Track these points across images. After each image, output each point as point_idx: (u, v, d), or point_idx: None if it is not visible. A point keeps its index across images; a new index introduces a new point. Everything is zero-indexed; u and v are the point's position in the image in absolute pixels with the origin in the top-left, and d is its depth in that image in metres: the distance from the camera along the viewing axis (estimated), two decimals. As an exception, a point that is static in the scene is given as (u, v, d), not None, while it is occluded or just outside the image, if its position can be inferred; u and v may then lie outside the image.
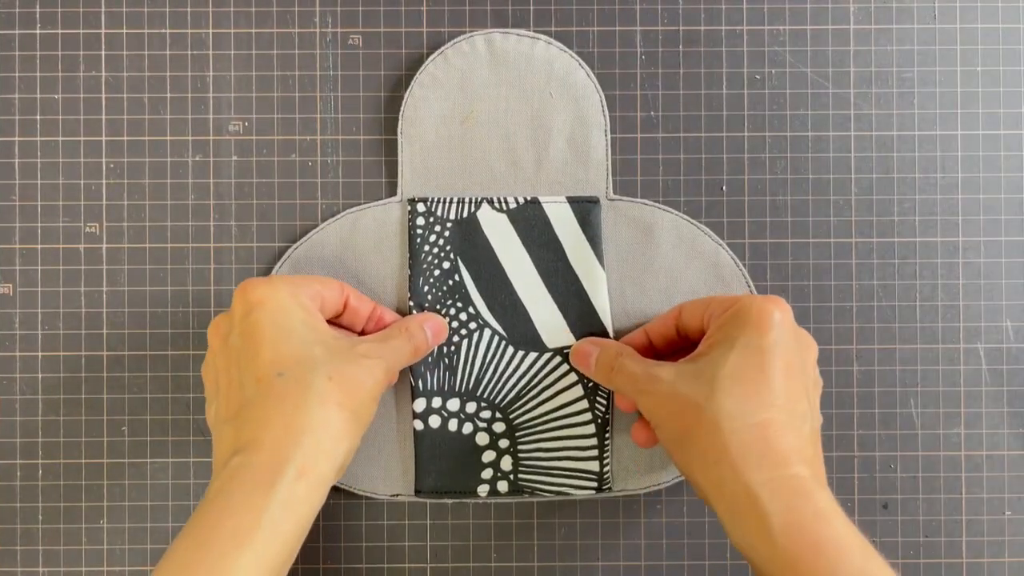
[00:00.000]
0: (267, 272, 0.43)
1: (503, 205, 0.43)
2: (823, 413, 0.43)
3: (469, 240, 0.42)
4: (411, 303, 0.42)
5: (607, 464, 0.42)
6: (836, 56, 0.44)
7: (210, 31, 0.44)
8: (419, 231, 0.42)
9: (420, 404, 0.42)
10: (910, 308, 0.44)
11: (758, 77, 0.44)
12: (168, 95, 0.43)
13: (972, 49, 0.44)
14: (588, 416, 0.42)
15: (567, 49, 0.43)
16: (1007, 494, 0.43)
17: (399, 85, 0.43)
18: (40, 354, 0.43)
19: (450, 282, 0.42)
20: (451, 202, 0.43)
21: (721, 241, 0.43)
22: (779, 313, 0.36)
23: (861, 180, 0.44)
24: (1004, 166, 0.44)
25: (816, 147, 0.44)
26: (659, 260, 0.43)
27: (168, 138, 0.43)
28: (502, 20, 0.44)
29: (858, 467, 0.43)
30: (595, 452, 0.42)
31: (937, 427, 0.43)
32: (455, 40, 0.43)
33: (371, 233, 0.43)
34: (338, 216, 0.43)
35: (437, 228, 0.42)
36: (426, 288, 0.42)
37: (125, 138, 0.43)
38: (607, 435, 0.42)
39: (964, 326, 0.44)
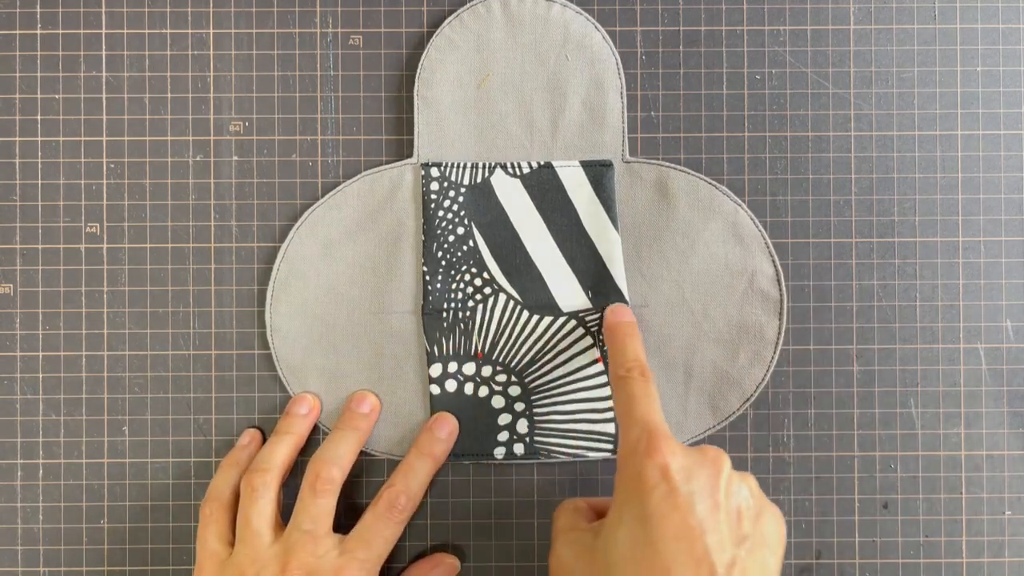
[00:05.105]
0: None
1: (517, 170, 0.43)
2: (823, 413, 0.43)
3: (483, 205, 0.43)
4: (425, 268, 0.42)
5: (619, 425, 0.42)
6: (836, 56, 0.44)
7: (211, 31, 0.44)
8: (433, 196, 0.43)
9: (436, 369, 0.42)
10: (910, 308, 0.44)
11: (758, 77, 0.44)
12: (169, 95, 0.44)
13: (972, 49, 0.44)
14: (603, 379, 0.42)
15: (583, 12, 0.43)
16: (1007, 494, 0.43)
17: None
18: (40, 354, 0.43)
19: (464, 247, 0.43)
20: (465, 167, 0.43)
21: (740, 201, 0.43)
22: (655, 470, 0.33)
23: (861, 180, 0.44)
24: (1004, 166, 0.44)
25: (816, 147, 0.44)
26: (676, 221, 0.43)
27: (169, 138, 0.43)
28: (502, 20, 0.44)
29: (858, 467, 0.43)
30: (611, 414, 0.42)
31: (937, 427, 0.43)
32: (471, 3, 0.43)
33: (387, 195, 0.43)
34: (355, 178, 0.43)
35: (451, 193, 0.43)
36: (440, 253, 0.42)
37: (126, 138, 0.43)
38: None
39: (964, 326, 0.44)
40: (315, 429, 0.43)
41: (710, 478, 0.34)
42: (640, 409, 0.36)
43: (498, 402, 0.43)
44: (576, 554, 0.35)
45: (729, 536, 0.33)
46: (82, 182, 0.43)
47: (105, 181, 0.43)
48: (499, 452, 0.42)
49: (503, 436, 0.43)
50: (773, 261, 0.43)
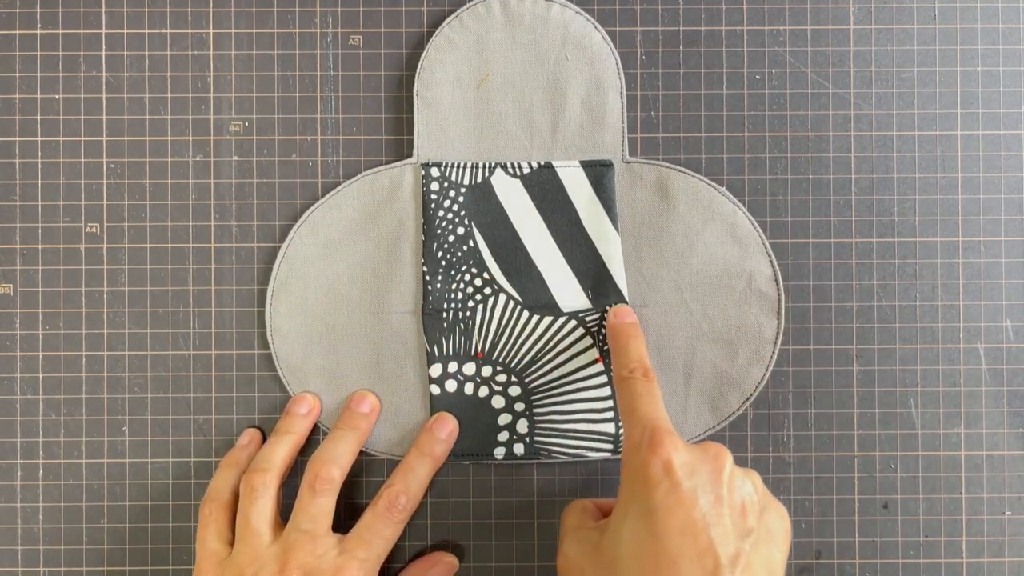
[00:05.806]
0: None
1: (517, 170, 0.43)
2: (823, 413, 0.43)
3: (483, 205, 0.43)
4: (425, 268, 0.42)
5: (622, 425, 0.42)
6: (836, 56, 0.44)
7: (211, 31, 0.44)
8: (433, 196, 0.43)
9: (436, 369, 0.42)
10: (910, 308, 0.44)
11: (758, 77, 0.44)
12: (169, 95, 0.44)
13: (972, 49, 0.44)
14: (603, 379, 0.42)
15: (583, 12, 0.43)
16: (1007, 494, 0.43)
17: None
18: (40, 354, 0.43)
19: (464, 247, 0.43)
20: (465, 167, 0.43)
21: (738, 203, 0.43)
22: (658, 466, 0.33)
23: (861, 180, 0.44)
24: (1004, 166, 0.44)
25: (816, 147, 0.44)
26: (675, 222, 0.43)
27: (169, 138, 0.43)
28: (502, 20, 0.44)
29: (858, 467, 0.43)
30: (611, 414, 0.42)
31: (937, 427, 0.43)
32: (471, 3, 0.43)
33: (387, 195, 0.43)
34: (355, 178, 0.43)
35: (451, 193, 0.43)
36: (440, 253, 0.43)
37: (126, 138, 0.43)
38: None
39: (964, 326, 0.44)
40: (315, 429, 0.43)
41: (712, 473, 0.34)
42: (643, 408, 0.36)
43: (498, 402, 0.43)
44: (583, 552, 0.36)
45: (733, 529, 0.33)
46: (82, 182, 0.43)
47: (105, 181, 0.43)
48: (499, 452, 0.42)
49: (503, 436, 0.43)
50: (771, 261, 0.43)
